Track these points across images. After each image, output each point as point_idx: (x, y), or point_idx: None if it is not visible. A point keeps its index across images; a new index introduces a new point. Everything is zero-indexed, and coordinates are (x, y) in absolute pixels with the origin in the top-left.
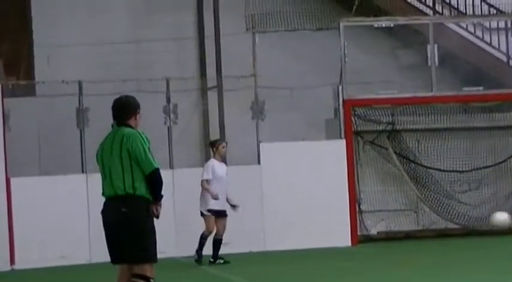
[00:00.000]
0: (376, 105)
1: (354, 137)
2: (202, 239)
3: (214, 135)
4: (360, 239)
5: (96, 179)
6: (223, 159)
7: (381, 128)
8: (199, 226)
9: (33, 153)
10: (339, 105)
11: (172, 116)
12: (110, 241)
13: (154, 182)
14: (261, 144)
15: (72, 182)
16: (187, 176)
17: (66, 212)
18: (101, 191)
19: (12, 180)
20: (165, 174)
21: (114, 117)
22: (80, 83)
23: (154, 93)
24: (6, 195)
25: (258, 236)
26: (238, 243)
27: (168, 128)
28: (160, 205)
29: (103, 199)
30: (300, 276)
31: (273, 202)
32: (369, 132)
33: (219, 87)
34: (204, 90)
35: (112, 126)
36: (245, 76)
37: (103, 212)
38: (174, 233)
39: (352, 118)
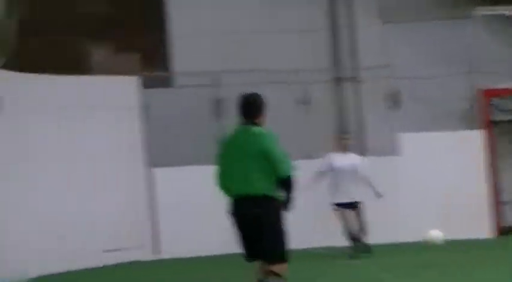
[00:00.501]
0: None
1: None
2: (346, 235)
3: (349, 126)
4: (502, 230)
5: None
6: (347, 151)
7: None
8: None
9: (172, 144)
10: (475, 95)
11: (306, 106)
12: (244, 241)
13: (287, 185)
14: (400, 135)
15: (211, 172)
16: None
17: (207, 202)
18: (223, 189)
19: (155, 171)
20: (301, 164)
21: (242, 114)
22: (216, 74)
23: (287, 84)
24: (150, 185)
25: (395, 226)
26: (376, 234)
27: (302, 118)
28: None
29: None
30: (432, 267)
31: (411, 192)
32: (504, 122)
33: (355, 78)
34: (337, 81)
35: (239, 123)
36: (381, 66)
37: (234, 213)
38: (313, 223)
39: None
